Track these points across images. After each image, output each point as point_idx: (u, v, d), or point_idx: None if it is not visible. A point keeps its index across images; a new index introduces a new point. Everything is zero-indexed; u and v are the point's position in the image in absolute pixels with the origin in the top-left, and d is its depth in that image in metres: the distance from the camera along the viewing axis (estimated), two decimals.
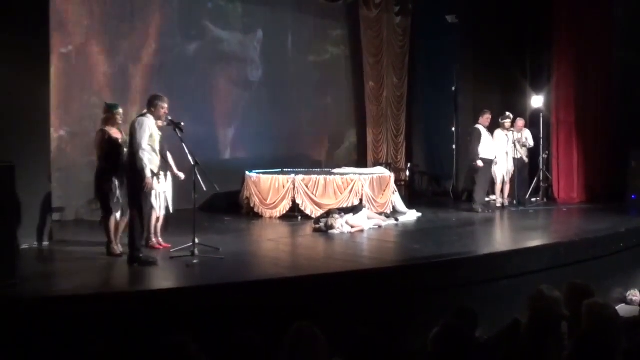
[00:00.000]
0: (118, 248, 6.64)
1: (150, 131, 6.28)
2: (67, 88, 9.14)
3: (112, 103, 6.99)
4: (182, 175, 7.21)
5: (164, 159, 6.83)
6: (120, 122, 6.75)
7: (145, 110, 6.47)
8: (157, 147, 6.43)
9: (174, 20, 10.41)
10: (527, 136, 10.98)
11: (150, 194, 6.60)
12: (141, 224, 6.34)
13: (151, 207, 6.88)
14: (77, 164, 9.24)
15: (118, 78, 9.70)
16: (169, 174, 7.17)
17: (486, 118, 10.29)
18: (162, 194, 7.12)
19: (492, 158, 10.33)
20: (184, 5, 10.49)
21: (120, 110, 6.79)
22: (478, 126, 10.27)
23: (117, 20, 9.70)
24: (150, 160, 6.25)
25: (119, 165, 6.55)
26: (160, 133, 6.57)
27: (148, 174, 6.19)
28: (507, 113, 10.74)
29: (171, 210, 7.35)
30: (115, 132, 6.65)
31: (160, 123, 6.57)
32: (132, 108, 9.01)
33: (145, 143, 6.20)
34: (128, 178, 6.39)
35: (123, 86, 9.69)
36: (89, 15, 9.39)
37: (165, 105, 6.50)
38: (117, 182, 6.56)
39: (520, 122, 10.98)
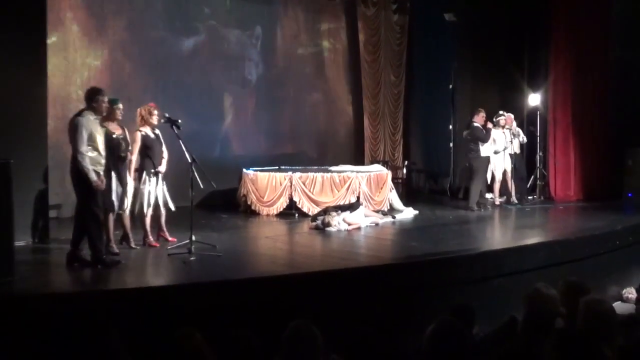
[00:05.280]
0: (114, 247, 6.58)
1: (89, 131, 5.91)
2: (64, 83, 9.10)
3: (112, 98, 6.90)
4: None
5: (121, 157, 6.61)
6: (120, 117, 6.61)
7: (83, 107, 6.13)
8: (101, 145, 6.07)
9: (169, 15, 10.34)
10: (519, 132, 11.01)
11: (110, 194, 6.43)
12: (97, 226, 6.05)
13: (119, 207, 6.68)
14: None
15: (113, 74, 9.64)
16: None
17: (481, 116, 10.30)
18: (153, 193, 7.01)
19: (489, 155, 10.37)
20: (178, 0, 10.44)
21: (120, 105, 6.63)
22: (475, 124, 10.28)
23: (111, 15, 9.65)
24: (93, 160, 5.95)
25: (117, 162, 6.51)
26: (102, 128, 6.20)
27: (93, 176, 5.89)
28: (501, 112, 10.78)
29: (173, 208, 7.25)
30: (114, 128, 6.55)
31: (154, 121, 6.50)
32: (127, 104, 8.94)
33: (83, 146, 5.87)
34: (74, 183, 6.07)
35: (120, 83, 9.62)
36: (80, 8, 9.31)
37: (107, 99, 6.21)
38: (115, 179, 6.51)
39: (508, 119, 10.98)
